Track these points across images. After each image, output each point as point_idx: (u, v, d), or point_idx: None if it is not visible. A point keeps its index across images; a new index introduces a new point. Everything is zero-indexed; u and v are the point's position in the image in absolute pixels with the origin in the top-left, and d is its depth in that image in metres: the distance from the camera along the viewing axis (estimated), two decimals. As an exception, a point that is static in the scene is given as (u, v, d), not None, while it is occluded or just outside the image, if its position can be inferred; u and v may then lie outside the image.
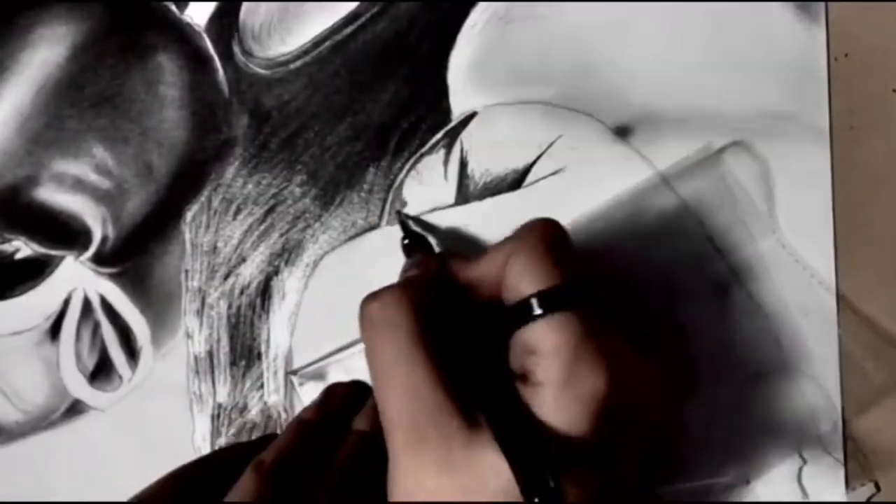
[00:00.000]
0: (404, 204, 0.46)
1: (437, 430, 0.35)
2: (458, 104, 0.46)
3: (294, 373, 0.46)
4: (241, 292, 0.47)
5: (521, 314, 0.36)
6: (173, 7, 0.47)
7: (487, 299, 0.38)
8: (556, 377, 0.34)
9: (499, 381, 0.36)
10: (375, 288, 0.46)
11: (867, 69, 0.45)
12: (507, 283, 0.37)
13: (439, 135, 0.46)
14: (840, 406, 0.44)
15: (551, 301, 0.35)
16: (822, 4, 0.45)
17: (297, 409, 0.46)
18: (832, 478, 0.44)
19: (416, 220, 0.46)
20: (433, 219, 0.46)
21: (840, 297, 0.45)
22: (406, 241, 0.44)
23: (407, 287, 0.37)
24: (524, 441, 0.34)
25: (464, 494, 0.34)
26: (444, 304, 0.38)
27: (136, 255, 0.47)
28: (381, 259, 0.46)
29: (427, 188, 0.46)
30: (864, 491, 0.44)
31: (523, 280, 0.36)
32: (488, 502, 0.34)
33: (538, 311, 0.35)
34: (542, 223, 0.38)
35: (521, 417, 0.35)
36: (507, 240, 0.38)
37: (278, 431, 0.46)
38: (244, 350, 0.46)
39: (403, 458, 0.35)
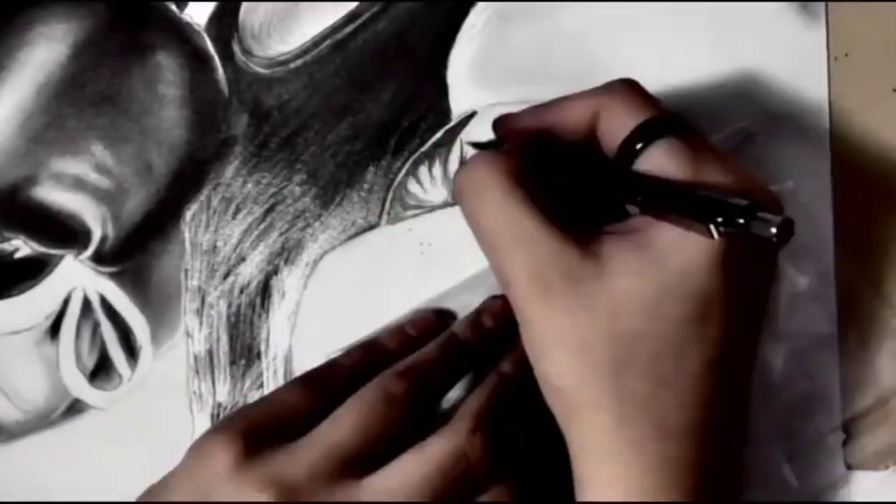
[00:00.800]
0: (407, 205, 0.46)
1: (560, 270, 0.34)
2: (458, 103, 0.46)
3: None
4: (241, 291, 0.47)
5: (629, 149, 0.36)
6: (173, 6, 0.47)
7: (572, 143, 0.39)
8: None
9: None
10: (375, 287, 0.46)
11: (867, 69, 0.45)
12: (604, 128, 0.37)
13: (439, 134, 0.46)
14: (840, 406, 0.44)
15: (657, 129, 0.36)
16: (822, 4, 0.45)
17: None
18: (832, 477, 0.44)
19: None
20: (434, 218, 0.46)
21: (840, 296, 0.45)
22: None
23: (496, 154, 0.38)
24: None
25: (609, 321, 0.34)
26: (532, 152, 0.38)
27: (135, 254, 0.47)
28: (381, 258, 0.46)
29: (427, 187, 0.46)
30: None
31: (624, 118, 0.36)
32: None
33: (640, 145, 0.35)
34: (626, 79, 0.39)
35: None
36: (591, 90, 0.39)
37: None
38: (244, 349, 0.46)
39: (533, 310, 0.35)
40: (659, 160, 0.35)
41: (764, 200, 0.34)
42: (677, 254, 0.34)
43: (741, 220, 0.31)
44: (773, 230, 0.30)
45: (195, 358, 0.46)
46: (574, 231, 0.35)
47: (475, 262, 0.45)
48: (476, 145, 0.45)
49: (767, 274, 0.38)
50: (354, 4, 0.47)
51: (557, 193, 0.37)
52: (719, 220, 0.32)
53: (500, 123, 0.42)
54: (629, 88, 0.38)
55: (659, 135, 0.36)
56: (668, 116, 0.37)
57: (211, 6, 0.47)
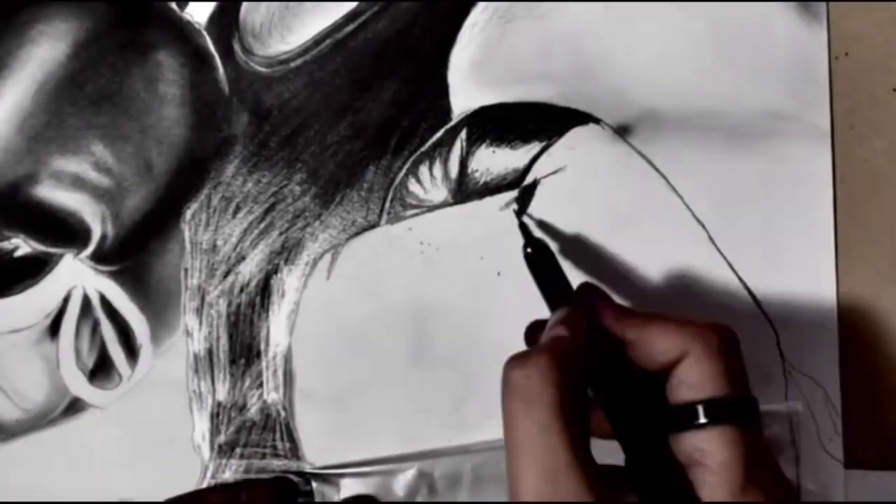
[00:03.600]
0: (407, 205, 0.46)
1: None
2: (459, 103, 0.46)
3: (303, 474, 0.46)
4: (241, 290, 0.46)
5: (689, 415, 0.35)
6: (174, 5, 0.47)
7: (640, 364, 0.37)
8: (721, 498, 0.34)
9: (659, 469, 0.36)
10: (375, 286, 0.46)
11: (868, 68, 0.45)
12: (678, 376, 0.36)
13: (440, 133, 0.46)
14: (840, 406, 0.44)
15: (721, 411, 0.35)
16: (823, 4, 0.45)
17: (297, 409, 0.46)
18: (832, 477, 0.44)
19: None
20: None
21: (840, 297, 0.45)
22: (529, 250, 0.42)
23: (555, 355, 0.35)
24: None
25: None
26: (595, 360, 0.37)
27: (135, 253, 0.46)
28: (381, 258, 0.46)
29: (427, 187, 0.46)
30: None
31: (699, 382, 0.36)
32: None
33: (705, 420, 0.35)
34: (724, 329, 0.37)
35: None
36: (685, 326, 0.37)
37: (278, 432, 0.46)
38: (243, 348, 0.46)
39: None
40: (713, 443, 0.35)
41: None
42: None
43: None
44: None
45: (195, 357, 0.46)
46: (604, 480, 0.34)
47: (474, 261, 0.46)
48: (527, 240, 0.42)
49: None
50: (355, 4, 0.47)
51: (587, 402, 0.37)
52: None
53: (584, 289, 0.41)
54: (721, 342, 0.37)
55: (725, 416, 0.35)
56: (740, 399, 0.36)
57: (212, 5, 0.47)
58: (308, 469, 0.46)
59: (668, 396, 0.37)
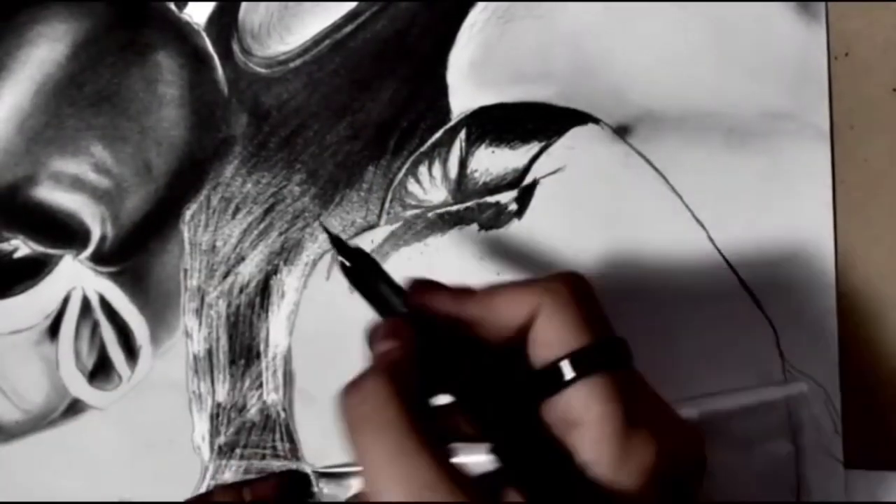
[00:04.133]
0: (407, 205, 0.46)
1: None
2: (458, 103, 0.46)
3: (318, 472, 0.46)
4: (241, 291, 0.46)
5: (553, 376, 0.33)
6: (172, 6, 0.47)
7: (492, 341, 0.35)
8: (607, 455, 0.32)
9: (534, 449, 0.33)
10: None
11: (867, 68, 0.45)
12: (533, 338, 0.34)
13: (439, 134, 0.46)
14: (840, 406, 0.44)
15: (587, 361, 0.33)
16: (822, 3, 0.45)
17: (297, 410, 0.46)
18: (832, 477, 0.44)
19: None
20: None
21: (840, 297, 0.45)
22: (347, 264, 0.38)
23: (389, 373, 0.33)
24: None
25: None
26: (438, 361, 0.35)
27: (134, 254, 0.46)
28: (380, 258, 0.46)
29: (426, 187, 0.46)
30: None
31: (557, 338, 0.33)
32: None
33: (571, 375, 0.33)
34: (572, 276, 0.35)
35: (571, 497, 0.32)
36: (530, 285, 0.35)
37: (278, 433, 0.46)
38: (243, 349, 0.46)
39: None
40: (585, 398, 0.33)
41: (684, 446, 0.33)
42: None
43: None
44: None
45: (194, 358, 0.46)
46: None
47: (474, 262, 0.46)
48: (344, 253, 0.39)
49: None
50: (354, 4, 0.47)
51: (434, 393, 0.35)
52: None
53: (413, 288, 0.38)
54: (572, 291, 0.35)
55: (592, 367, 0.33)
56: (604, 344, 0.34)
57: (210, 5, 0.47)
58: (309, 469, 0.46)
59: (530, 363, 0.34)
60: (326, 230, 0.42)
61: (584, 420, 0.32)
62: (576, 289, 0.35)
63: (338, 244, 0.38)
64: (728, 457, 0.43)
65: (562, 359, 0.33)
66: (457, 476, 0.31)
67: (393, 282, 0.38)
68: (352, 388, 0.33)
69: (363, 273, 0.38)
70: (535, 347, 0.34)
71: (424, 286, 0.37)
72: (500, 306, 0.35)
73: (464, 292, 0.36)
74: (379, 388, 0.32)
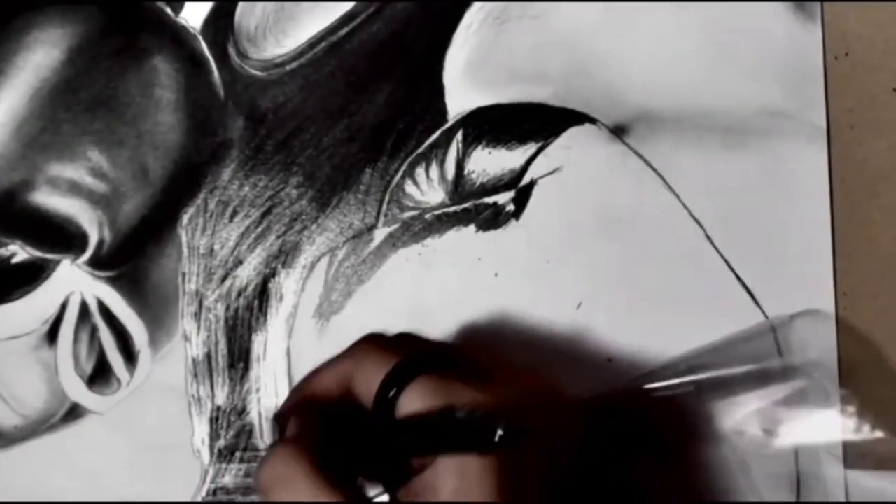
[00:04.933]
0: (404, 206, 0.46)
1: None
2: (454, 104, 0.46)
3: None
4: (239, 295, 0.47)
5: (382, 407, 0.35)
6: (168, 10, 0.47)
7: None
8: None
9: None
10: (372, 290, 0.46)
11: (867, 68, 0.45)
12: (359, 390, 0.37)
13: (435, 135, 0.46)
14: (839, 405, 0.44)
15: (397, 380, 0.35)
16: (818, 4, 0.45)
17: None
18: (832, 477, 0.44)
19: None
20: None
21: (840, 297, 0.44)
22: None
23: (294, 440, 0.37)
24: None
25: None
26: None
27: (132, 258, 0.47)
28: (379, 260, 0.46)
29: (424, 189, 0.46)
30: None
31: (373, 372, 0.36)
32: None
33: (392, 392, 0.35)
34: (363, 338, 0.39)
35: None
36: (331, 362, 0.39)
37: (278, 436, 0.46)
38: (242, 352, 0.46)
39: None
40: (415, 403, 0.35)
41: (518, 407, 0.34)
42: (468, 498, 0.34)
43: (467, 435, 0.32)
44: (499, 434, 0.31)
45: (193, 361, 0.46)
46: None
47: (472, 262, 0.46)
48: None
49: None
50: (350, 6, 0.47)
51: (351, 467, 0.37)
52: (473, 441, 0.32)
53: (279, 418, 0.41)
54: (370, 344, 0.38)
55: (409, 378, 0.35)
56: (413, 358, 0.36)
57: (206, 9, 0.47)
58: None
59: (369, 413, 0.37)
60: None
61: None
62: (371, 338, 0.39)
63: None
64: (728, 453, 0.44)
65: (380, 388, 0.35)
66: None
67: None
68: (263, 461, 0.36)
69: None
70: (363, 398, 0.37)
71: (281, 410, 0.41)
72: (319, 384, 0.39)
73: (293, 389, 0.41)
74: (283, 453, 0.35)
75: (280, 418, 0.40)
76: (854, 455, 0.44)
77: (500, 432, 0.32)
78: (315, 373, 0.39)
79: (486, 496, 0.33)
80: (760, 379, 0.44)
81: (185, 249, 0.47)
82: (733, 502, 0.44)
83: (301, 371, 0.46)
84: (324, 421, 0.38)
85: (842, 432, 0.44)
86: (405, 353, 0.36)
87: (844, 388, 0.44)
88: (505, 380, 0.37)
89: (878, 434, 0.44)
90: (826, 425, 0.44)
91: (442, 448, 0.34)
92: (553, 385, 0.41)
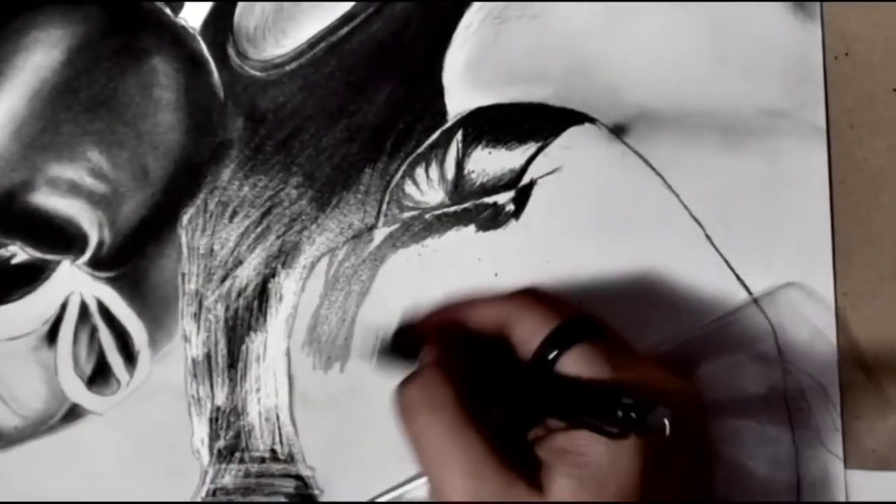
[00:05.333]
0: (404, 207, 0.46)
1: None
2: (454, 104, 0.46)
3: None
4: (239, 295, 0.47)
5: (544, 358, 0.37)
6: (167, 10, 0.47)
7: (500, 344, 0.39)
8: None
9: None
10: (373, 290, 0.46)
11: (867, 68, 0.45)
12: (517, 338, 0.38)
13: (435, 135, 0.46)
14: (839, 405, 0.44)
15: (563, 339, 0.37)
16: (818, 3, 0.45)
17: (297, 413, 0.46)
18: (832, 477, 0.44)
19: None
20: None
21: (840, 297, 0.44)
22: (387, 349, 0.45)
23: (438, 364, 0.38)
24: None
25: None
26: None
27: (132, 258, 0.46)
28: (379, 260, 0.46)
29: (423, 189, 0.46)
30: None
31: (535, 326, 0.37)
32: None
33: (554, 353, 0.36)
34: (526, 289, 0.41)
35: None
36: (492, 300, 0.40)
37: (278, 436, 0.46)
38: (242, 353, 0.46)
39: None
40: (574, 367, 0.36)
41: (674, 395, 0.36)
42: (613, 473, 0.34)
43: (633, 416, 0.33)
44: (666, 422, 0.32)
45: (193, 362, 0.46)
46: (511, 456, 0.36)
47: (472, 262, 0.46)
48: (386, 350, 0.45)
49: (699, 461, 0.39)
50: (349, 6, 0.46)
51: (482, 402, 0.37)
52: (620, 418, 0.33)
53: (408, 329, 0.44)
54: (532, 297, 0.39)
55: (572, 341, 0.37)
56: (579, 321, 0.37)
57: (206, 9, 0.47)
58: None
59: (520, 357, 0.38)
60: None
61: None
62: (535, 293, 0.40)
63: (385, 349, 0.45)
64: (732, 449, 0.44)
65: (542, 344, 0.37)
66: (503, 454, 0.35)
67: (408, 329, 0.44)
68: (406, 381, 0.37)
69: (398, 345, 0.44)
70: (519, 344, 0.38)
71: (409, 332, 0.44)
72: (477, 313, 0.40)
73: (445, 305, 0.42)
74: (432, 376, 0.37)
75: (404, 333, 0.43)
76: (854, 455, 0.44)
77: (666, 422, 0.32)
78: (468, 304, 0.41)
79: (632, 478, 0.34)
80: (760, 379, 0.44)
81: (184, 250, 0.47)
82: (734, 502, 0.44)
83: (301, 372, 0.46)
84: (470, 353, 0.39)
85: (841, 432, 0.44)
86: (566, 316, 0.37)
87: (844, 389, 0.44)
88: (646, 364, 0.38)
89: (879, 434, 0.44)
90: (826, 424, 0.44)
91: (600, 421, 0.34)
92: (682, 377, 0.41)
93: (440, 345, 0.40)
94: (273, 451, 0.46)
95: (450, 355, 0.39)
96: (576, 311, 0.38)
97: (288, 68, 0.47)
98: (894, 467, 0.44)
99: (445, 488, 0.35)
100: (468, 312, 0.40)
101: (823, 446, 0.44)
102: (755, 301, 0.45)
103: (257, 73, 0.47)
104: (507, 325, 0.39)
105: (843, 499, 0.44)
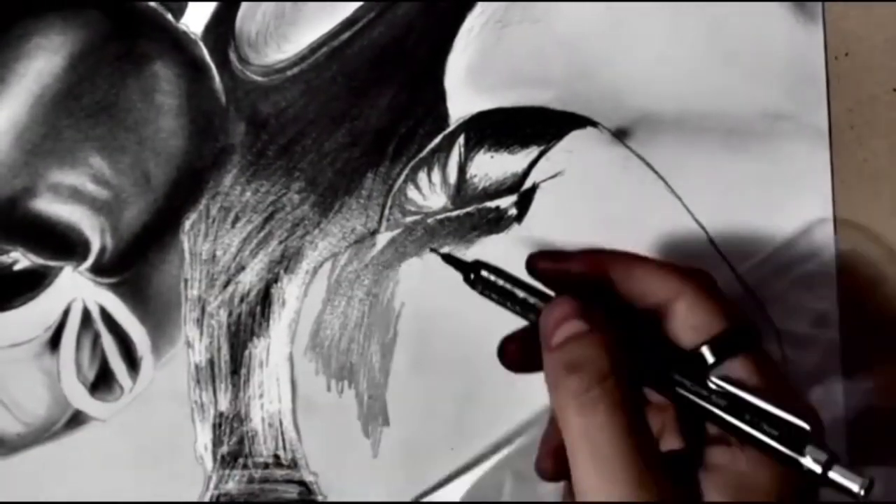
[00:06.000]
0: (406, 211, 0.46)
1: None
2: (456, 108, 0.46)
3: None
4: (241, 300, 0.46)
5: (695, 358, 0.35)
6: (169, 15, 0.47)
7: (644, 312, 0.36)
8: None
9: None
10: (374, 294, 0.46)
11: (868, 68, 0.45)
12: (678, 320, 0.35)
13: (437, 139, 0.46)
14: (842, 404, 0.44)
15: (726, 347, 0.35)
16: (820, 4, 0.45)
17: (300, 418, 0.46)
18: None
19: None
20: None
21: (841, 296, 0.45)
22: (472, 276, 0.38)
23: (603, 331, 0.35)
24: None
25: None
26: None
27: (134, 264, 0.46)
28: (381, 264, 0.46)
29: (426, 193, 0.46)
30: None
31: (701, 322, 0.35)
32: None
33: (712, 360, 0.35)
34: (704, 271, 0.37)
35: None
36: (671, 268, 0.36)
37: (281, 442, 0.46)
38: (245, 358, 0.46)
39: None
40: (742, 375, 0.34)
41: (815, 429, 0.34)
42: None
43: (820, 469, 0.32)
44: (861, 490, 0.32)
45: (196, 368, 0.46)
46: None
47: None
48: (459, 266, 0.39)
49: None
50: (351, 10, 0.47)
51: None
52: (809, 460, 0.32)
53: (538, 260, 0.38)
54: (713, 286, 0.36)
55: (734, 349, 0.35)
56: (745, 329, 0.36)
57: (207, 15, 0.47)
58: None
59: (670, 339, 0.36)
60: (435, 251, 0.41)
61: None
62: (710, 280, 0.37)
63: (454, 262, 0.39)
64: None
65: (704, 343, 0.35)
66: (660, 463, 0.32)
67: (520, 280, 0.38)
68: (575, 339, 0.34)
69: (490, 281, 0.38)
70: (679, 330, 0.35)
71: (550, 257, 0.38)
72: (643, 278, 0.36)
73: (598, 252, 0.37)
74: (604, 343, 0.34)
75: (541, 260, 0.38)
76: (857, 452, 0.44)
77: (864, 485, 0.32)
78: (628, 262, 0.37)
79: None
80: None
81: (187, 255, 0.47)
82: (734, 502, 0.44)
83: (304, 377, 0.46)
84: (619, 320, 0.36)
85: (845, 430, 0.44)
86: (733, 320, 0.35)
87: (847, 387, 0.44)
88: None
89: (882, 432, 0.44)
90: (829, 423, 0.44)
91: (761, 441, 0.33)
92: None
93: (593, 303, 0.36)
94: (276, 456, 0.46)
95: (604, 320, 0.35)
96: (742, 317, 0.36)
97: (290, 73, 0.47)
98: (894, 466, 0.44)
99: (594, 483, 0.32)
100: (627, 272, 0.37)
101: (825, 447, 0.44)
102: (757, 303, 0.45)
103: (259, 79, 0.47)
104: (670, 306, 0.36)
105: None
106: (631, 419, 0.33)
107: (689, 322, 0.35)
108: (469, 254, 0.46)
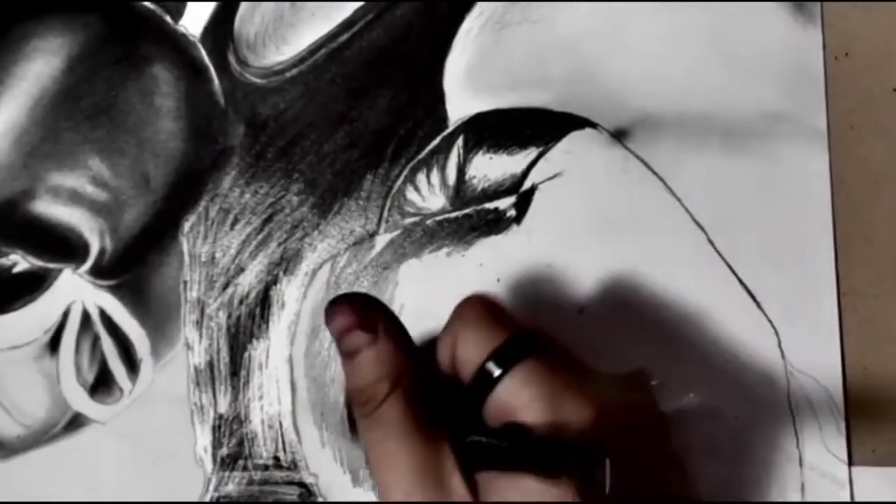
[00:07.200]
0: (406, 213, 0.46)
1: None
2: (455, 110, 0.46)
3: None
4: (241, 302, 0.46)
5: (483, 382, 0.35)
6: (168, 17, 0.47)
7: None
8: (546, 430, 0.34)
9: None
10: (374, 295, 0.46)
11: (867, 69, 0.45)
12: (460, 362, 0.37)
13: (436, 141, 0.46)
14: (842, 405, 0.44)
15: (506, 357, 0.35)
16: (818, 4, 0.45)
17: (299, 420, 0.46)
18: (836, 477, 0.44)
19: None
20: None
21: (840, 297, 0.44)
22: None
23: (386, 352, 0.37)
24: None
25: None
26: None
27: (134, 266, 0.46)
28: (380, 266, 0.46)
29: (425, 194, 0.46)
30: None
31: (473, 350, 0.36)
32: None
33: (498, 373, 0.35)
34: (469, 298, 0.38)
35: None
36: (447, 325, 0.38)
37: (281, 444, 0.46)
38: (244, 360, 0.46)
39: None
40: (517, 391, 0.35)
41: (629, 408, 0.36)
42: None
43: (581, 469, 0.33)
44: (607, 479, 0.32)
45: (196, 370, 0.46)
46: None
47: (474, 268, 0.46)
48: None
49: None
50: (350, 12, 0.47)
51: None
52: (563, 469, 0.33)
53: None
54: (476, 309, 0.38)
55: (516, 359, 0.35)
56: (521, 337, 0.36)
57: (206, 17, 0.47)
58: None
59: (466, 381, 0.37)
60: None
61: (519, 406, 0.35)
62: (476, 304, 0.38)
63: None
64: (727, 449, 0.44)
65: (484, 362, 0.35)
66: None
67: None
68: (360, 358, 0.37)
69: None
70: (462, 366, 0.37)
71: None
72: (438, 350, 0.38)
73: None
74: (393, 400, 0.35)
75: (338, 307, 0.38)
76: (857, 454, 0.44)
77: (607, 468, 0.32)
78: (434, 339, 0.39)
79: None
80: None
81: (186, 257, 0.47)
82: (737, 502, 0.44)
83: (304, 379, 0.46)
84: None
85: (844, 432, 0.44)
86: (513, 328, 0.36)
87: (847, 389, 0.44)
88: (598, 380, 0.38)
89: (882, 433, 0.44)
90: (829, 425, 0.44)
91: (541, 463, 0.33)
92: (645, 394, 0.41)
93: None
94: (276, 458, 0.46)
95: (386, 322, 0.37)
96: (522, 325, 0.37)
97: (288, 75, 0.47)
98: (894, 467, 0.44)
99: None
100: (433, 352, 0.39)
101: (826, 447, 0.44)
102: (758, 304, 0.45)
103: (258, 80, 0.47)
104: (453, 344, 0.37)
105: (847, 498, 0.44)
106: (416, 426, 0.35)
107: (470, 343, 0.36)
108: (469, 254, 0.46)
